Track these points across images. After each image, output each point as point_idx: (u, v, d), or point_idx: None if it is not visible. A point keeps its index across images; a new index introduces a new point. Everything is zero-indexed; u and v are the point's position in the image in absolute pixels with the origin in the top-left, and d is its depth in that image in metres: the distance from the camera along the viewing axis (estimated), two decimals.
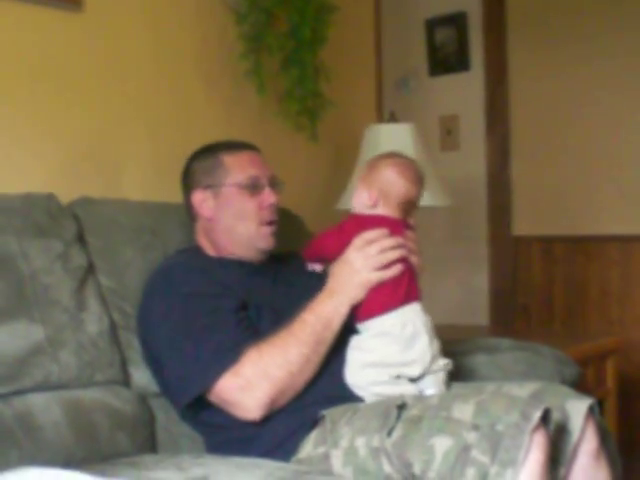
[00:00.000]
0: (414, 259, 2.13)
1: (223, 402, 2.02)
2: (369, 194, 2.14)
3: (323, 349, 2.05)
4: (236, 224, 2.28)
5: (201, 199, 2.31)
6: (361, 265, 2.06)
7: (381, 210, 2.13)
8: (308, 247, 2.25)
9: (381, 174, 2.15)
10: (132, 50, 2.82)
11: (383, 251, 2.07)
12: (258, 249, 2.30)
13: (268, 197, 2.30)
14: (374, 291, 2.06)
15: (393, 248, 2.08)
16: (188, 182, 2.36)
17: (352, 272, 2.07)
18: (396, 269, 2.07)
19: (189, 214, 2.37)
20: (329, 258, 2.16)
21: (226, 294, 2.13)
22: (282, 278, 2.30)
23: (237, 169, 2.30)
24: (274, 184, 2.34)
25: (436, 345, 2.05)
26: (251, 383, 1.97)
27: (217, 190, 2.29)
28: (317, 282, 2.16)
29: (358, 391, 2.02)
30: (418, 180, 2.18)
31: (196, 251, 2.34)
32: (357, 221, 2.15)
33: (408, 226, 2.17)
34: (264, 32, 3.09)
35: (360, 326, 2.07)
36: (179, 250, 2.36)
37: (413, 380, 2.01)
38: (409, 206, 2.17)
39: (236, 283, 2.18)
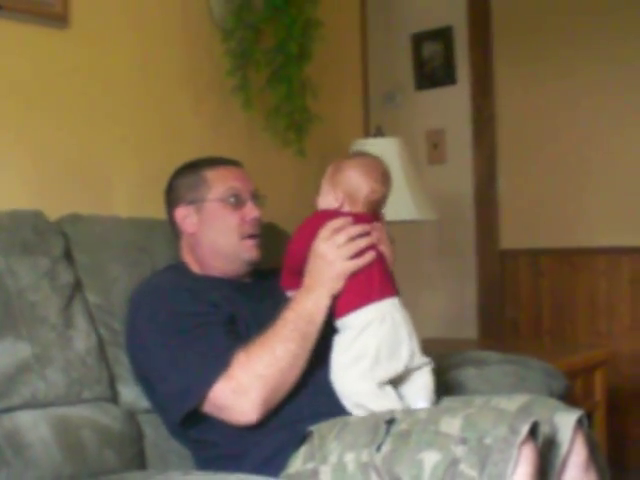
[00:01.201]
0: (384, 249, 2.12)
1: (218, 409, 2.01)
2: (335, 195, 2.14)
3: (309, 344, 2.05)
4: (219, 238, 2.28)
5: (184, 215, 2.32)
6: (334, 256, 2.04)
7: (347, 209, 2.13)
8: (281, 272, 2.23)
9: (345, 175, 2.14)
10: (119, 66, 2.82)
11: (351, 239, 2.06)
12: (243, 261, 2.30)
13: (250, 211, 2.30)
14: (350, 284, 2.04)
15: (360, 236, 2.07)
16: (171, 199, 2.37)
17: (326, 264, 2.05)
18: (369, 256, 2.06)
19: (173, 231, 2.38)
20: (300, 262, 2.12)
21: (212, 312, 2.13)
22: (269, 295, 2.29)
23: (219, 184, 2.30)
24: (256, 198, 2.34)
25: (415, 340, 2.04)
26: (243, 385, 1.98)
27: (200, 205, 2.30)
28: None
29: (344, 400, 2.01)
30: (384, 179, 2.17)
31: (183, 268, 2.34)
32: (319, 214, 2.15)
33: (375, 218, 2.16)
34: (251, 48, 3.09)
35: (339, 323, 2.06)
36: (167, 266, 2.36)
37: (398, 382, 2.01)
38: (376, 205, 2.16)
39: (222, 301, 2.17)
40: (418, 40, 4.44)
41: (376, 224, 2.14)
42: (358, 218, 2.10)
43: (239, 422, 2.00)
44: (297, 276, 2.14)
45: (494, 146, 4.28)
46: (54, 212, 2.35)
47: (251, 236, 2.30)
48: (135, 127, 2.87)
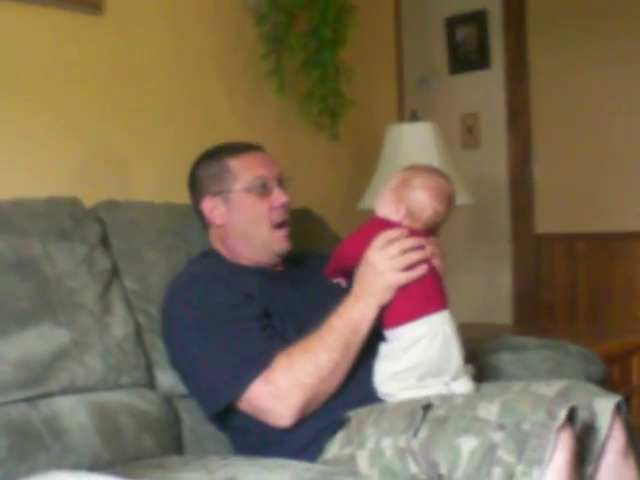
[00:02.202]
0: (437, 262, 2.08)
1: (255, 409, 2.01)
2: (397, 209, 2.09)
3: (352, 353, 2.02)
4: (249, 229, 2.27)
5: (211, 206, 2.30)
6: (385, 266, 2.01)
7: (405, 224, 2.09)
8: (328, 264, 2.22)
9: (413, 193, 2.10)
10: (153, 52, 2.83)
11: (405, 251, 2.03)
12: (274, 253, 2.29)
13: (278, 197, 2.28)
14: (401, 295, 2.02)
15: (414, 249, 2.04)
16: (196, 190, 2.35)
17: (376, 274, 2.02)
18: (422, 270, 2.02)
19: (201, 221, 2.37)
20: (349, 264, 2.10)
21: (248, 303, 2.11)
22: (302, 282, 2.29)
23: (244, 173, 2.28)
24: (283, 181, 2.32)
25: (463, 352, 2.03)
26: (283, 391, 1.97)
27: (226, 196, 2.28)
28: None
29: (388, 399, 2.00)
30: (449, 202, 2.14)
31: (216, 257, 2.33)
32: (376, 222, 2.12)
33: (431, 233, 2.13)
34: (285, 33, 3.09)
35: (389, 333, 2.03)
36: (202, 253, 2.35)
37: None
38: (434, 225, 2.14)
39: (257, 291, 2.16)
40: (452, 24, 4.40)
41: (431, 238, 2.11)
42: (413, 231, 2.07)
43: (273, 425, 1.99)
44: (342, 274, 2.14)
45: (529, 130, 4.25)
46: (90, 198, 2.36)
47: (281, 225, 2.28)
48: (170, 113, 2.88)
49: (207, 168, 2.33)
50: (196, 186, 2.35)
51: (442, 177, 2.17)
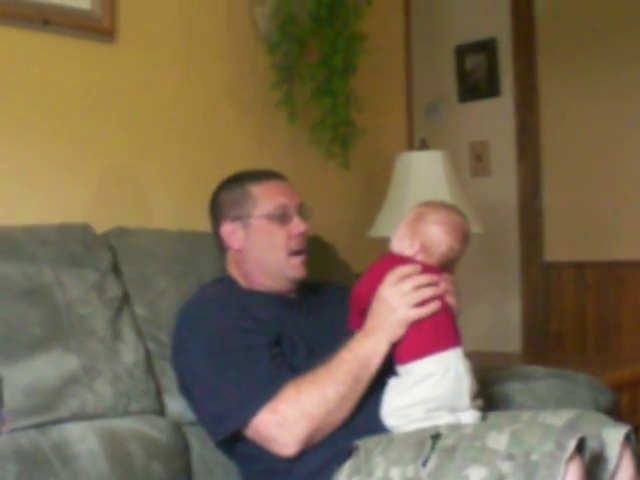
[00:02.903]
0: (451, 300, 2.08)
1: (260, 437, 2.01)
2: (411, 243, 2.10)
3: (361, 388, 2.02)
4: (266, 255, 2.28)
5: (230, 231, 2.32)
6: (397, 303, 2.01)
7: (419, 259, 2.09)
8: (349, 313, 2.16)
9: (428, 228, 2.10)
10: (165, 80, 2.85)
11: (418, 287, 2.03)
12: (289, 279, 2.30)
13: (297, 226, 2.29)
14: (413, 332, 2.01)
15: (427, 285, 2.04)
16: (216, 214, 2.37)
17: (389, 310, 2.02)
18: (434, 306, 2.02)
19: (218, 245, 2.38)
20: (365, 305, 2.08)
21: (260, 330, 2.12)
22: (315, 309, 2.30)
23: (265, 199, 2.29)
24: (303, 212, 2.34)
25: (474, 388, 2.02)
26: (289, 420, 1.97)
27: (246, 222, 2.29)
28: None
29: (395, 430, 1.99)
30: (464, 238, 2.14)
31: (230, 283, 2.34)
32: (388, 259, 2.12)
33: (445, 269, 2.12)
34: (296, 62, 3.11)
35: (400, 368, 2.03)
36: (214, 280, 2.36)
37: None
38: (449, 261, 2.13)
39: (269, 317, 2.17)
40: (461, 52, 4.42)
41: (444, 275, 2.10)
42: (427, 268, 2.07)
43: (278, 454, 2.00)
44: (363, 317, 2.11)
45: (538, 158, 4.25)
46: (101, 225, 2.38)
47: (298, 252, 2.29)
48: (181, 141, 2.89)
49: (229, 192, 2.35)
50: (216, 210, 2.37)
51: (458, 214, 2.17)
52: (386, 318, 2.02)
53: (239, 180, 2.36)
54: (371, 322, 2.05)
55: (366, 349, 2.03)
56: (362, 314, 2.10)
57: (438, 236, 2.10)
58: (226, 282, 2.34)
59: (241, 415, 2.01)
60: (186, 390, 2.18)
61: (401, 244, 2.12)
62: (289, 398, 1.98)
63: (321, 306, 2.31)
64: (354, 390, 2.01)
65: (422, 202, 2.22)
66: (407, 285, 2.02)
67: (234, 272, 2.35)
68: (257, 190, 2.31)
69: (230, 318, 2.13)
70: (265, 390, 2.00)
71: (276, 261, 2.28)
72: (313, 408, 1.97)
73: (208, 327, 2.13)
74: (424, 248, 2.09)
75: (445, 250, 2.11)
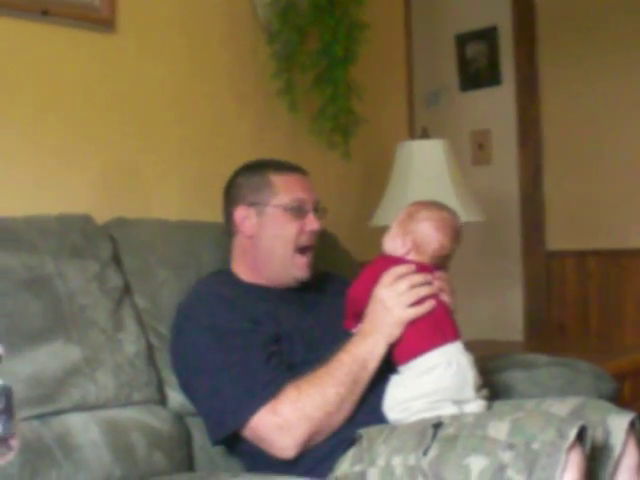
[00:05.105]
0: (446, 297, 2.10)
1: (258, 439, 2.01)
2: (403, 242, 2.11)
3: (360, 389, 2.03)
4: (275, 246, 2.27)
5: (244, 215, 2.30)
6: (393, 303, 2.03)
7: (412, 258, 2.11)
8: (344, 314, 2.19)
9: (418, 226, 2.12)
10: (165, 70, 2.84)
11: (413, 287, 2.04)
12: (292, 277, 2.29)
13: (311, 222, 2.29)
14: (411, 331, 2.03)
15: (422, 284, 2.06)
16: (232, 196, 2.35)
17: (385, 310, 2.04)
18: (429, 305, 2.04)
19: (227, 228, 2.37)
20: (361, 307, 2.10)
21: (256, 329, 2.11)
22: (313, 304, 2.29)
23: (284, 191, 2.28)
24: (318, 209, 2.33)
25: (478, 380, 2.03)
26: (289, 423, 1.97)
27: (262, 209, 2.28)
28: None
29: (399, 423, 1.99)
30: (455, 236, 2.15)
31: (228, 276, 2.32)
32: (381, 260, 2.13)
33: (438, 268, 2.14)
34: (296, 51, 3.10)
35: (401, 367, 2.04)
36: (212, 273, 2.35)
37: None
38: (442, 259, 2.14)
39: (267, 315, 2.16)
40: (462, 41, 4.42)
41: (438, 274, 2.12)
42: (421, 267, 2.09)
43: (276, 455, 2.00)
44: (359, 319, 2.12)
45: (540, 146, 4.25)
46: (102, 215, 2.37)
47: (305, 250, 2.28)
48: (181, 130, 2.89)
49: (248, 177, 2.33)
50: (233, 192, 2.35)
51: (448, 211, 2.18)
52: (383, 319, 2.04)
53: (261, 167, 2.34)
54: (368, 323, 2.07)
55: (364, 351, 2.04)
56: (358, 315, 2.12)
57: (429, 233, 2.11)
58: (223, 276, 2.33)
59: (240, 415, 2.00)
60: (185, 389, 2.17)
61: (393, 244, 2.14)
62: (290, 400, 1.98)
63: (319, 299, 2.31)
64: (353, 392, 2.02)
65: (413, 202, 2.23)
66: (402, 285, 2.04)
67: (237, 259, 2.34)
68: (278, 180, 2.30)
69: (222, 318, 2.12)
70: (264, 391, 2.00)
71: (282, 255, 2.26)
72: (314, 410, 1.97)
73: (204, 328, 2.12)
74: (416, 246, 2.11)
75: (437, 247, 2.11)
